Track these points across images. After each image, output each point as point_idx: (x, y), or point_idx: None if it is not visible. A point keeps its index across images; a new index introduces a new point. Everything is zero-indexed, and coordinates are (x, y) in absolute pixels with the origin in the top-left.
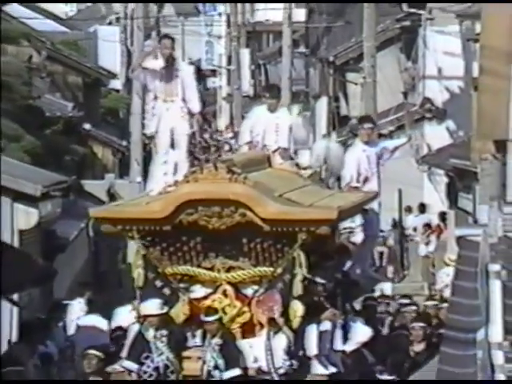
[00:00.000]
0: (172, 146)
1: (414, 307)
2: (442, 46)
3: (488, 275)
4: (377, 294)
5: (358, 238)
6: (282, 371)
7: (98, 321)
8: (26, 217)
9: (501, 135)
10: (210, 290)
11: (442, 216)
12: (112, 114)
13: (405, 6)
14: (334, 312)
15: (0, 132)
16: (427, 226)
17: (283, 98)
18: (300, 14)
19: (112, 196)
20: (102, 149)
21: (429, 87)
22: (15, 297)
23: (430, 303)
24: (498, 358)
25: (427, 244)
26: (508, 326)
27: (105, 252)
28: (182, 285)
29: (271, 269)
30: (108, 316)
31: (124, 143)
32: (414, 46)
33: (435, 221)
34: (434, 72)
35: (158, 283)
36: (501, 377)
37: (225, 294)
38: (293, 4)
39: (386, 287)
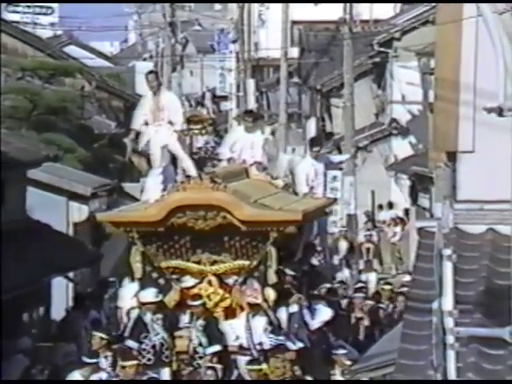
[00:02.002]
0: (164, 160)
1: (362, 294)
2: (405, 77)
3: (441, 258)
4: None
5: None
6: (259, 347)
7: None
8: (79, 212)
9: (451, 148)
10: (197, 280)
11: (406, 211)
12: None
13: (376, 46)
14: (300, 296)
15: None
16: (393, 219)
17: (281, 117)
18: (294, 51)
19: None
20: (138, 158)
21: (395, 110)
22: (71, 274)
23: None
24: (449, 323)
25: (394, 234)
26: (457, 297)
27: None
28: (174, 276)
29: (248, 262)
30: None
31: None
32: (383, 78)
33: (400, 215)
34: (399, 98)
35: (155, 275)
36: (450, 338)
37: (210, 283)
38: (288, 43)
39: (372, 277)
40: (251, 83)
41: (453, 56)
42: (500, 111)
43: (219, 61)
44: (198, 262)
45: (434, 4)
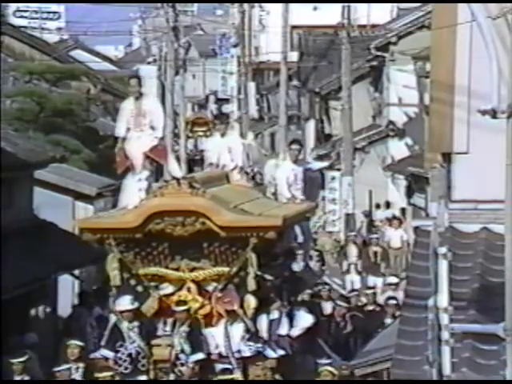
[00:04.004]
0: (144, 166)
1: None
2: (402, 80)
3: (437, 256)
4: (370, 286)
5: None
6: (238, 355)
7: None
8: (84, 211)
9: (446, 149)
10: (176, 288)
11: (402, 211)
12: None
13: (373, 50)
14: (281, 303)
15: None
16: (388, 219)
17: (281, 119)
18: (293, 55)
19: None
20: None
21: (392, 112)
22: (76, 272)
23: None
24: (444, 319)
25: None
26: (452, 295)
27: None
28: (152, 283)
29: (228, 268)
30: None
31: None
32: (380, 81)
33: (397, 215)
34: (395, 101)
35: (132, 282)
36: (445, 334)
37: (189, 290)
38: (288, 47)
39: (378, 281)
40: (252, 86)
41: (448, 60)
42: (494, 113)
43: (221, 64)
44: (177, 269)
45: (429, 9)
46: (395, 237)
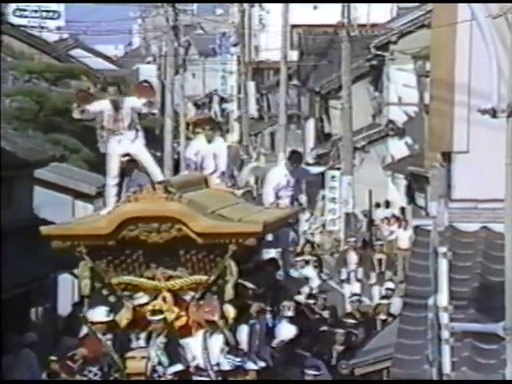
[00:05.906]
0: (123, 170)
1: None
2: (401, 80)
3: (437, 255)
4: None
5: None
6: (217, 368)
7: None
8: (84, 210)
9: (446, 148)
10: (151, 297)
11: (402, 210)
12: (149, 132)
13: (373, 49)
14: (260, 306)
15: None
16: (387, 218)
17: (281, 119)
18: (293, 54)
19: None
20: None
21: (392, 111)
22: (76, 271)
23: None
24: (444, 318)
25: (391, 233)
26: (452, 294)
27: None
28: (126, 293)
29: (206, 277)
30: None
31: (158, 154)
32: (380, 80)
33: (397, 214)
34: (395, 100)
35: (105, 292)
36: (445, 333)
37: (164, 300)
38: (288, 47)
39: (389, 285)
40: (252, 85)
41: (447, 58)
42: (494, 113)
43: (221, 64)
44: (152, 278)
45: (429, 8)
46: (404, 237)
